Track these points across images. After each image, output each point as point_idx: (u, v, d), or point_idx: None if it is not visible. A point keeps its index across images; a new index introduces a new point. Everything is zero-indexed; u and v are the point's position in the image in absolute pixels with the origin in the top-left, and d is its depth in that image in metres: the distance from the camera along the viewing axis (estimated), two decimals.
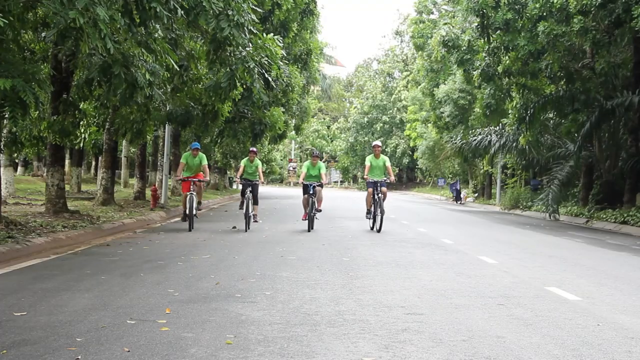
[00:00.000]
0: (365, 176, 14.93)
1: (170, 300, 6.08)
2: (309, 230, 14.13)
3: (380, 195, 14.27)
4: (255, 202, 14.46)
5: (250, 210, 14.23)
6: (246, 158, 14.89)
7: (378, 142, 15.29)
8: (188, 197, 13.80)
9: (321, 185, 14.86)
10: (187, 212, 13.76)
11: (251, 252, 10.11)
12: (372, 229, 14.80)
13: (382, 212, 14.38)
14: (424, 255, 10.32)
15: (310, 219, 14.40)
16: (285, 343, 4.63)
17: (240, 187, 14.94)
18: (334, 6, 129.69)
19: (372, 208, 14.70)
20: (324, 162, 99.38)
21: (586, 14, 19.87)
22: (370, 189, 14.49)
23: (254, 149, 14.92)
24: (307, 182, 14.73)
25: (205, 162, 14.37)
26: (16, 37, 10.08)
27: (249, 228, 14.02)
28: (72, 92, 14.13)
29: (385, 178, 14.62)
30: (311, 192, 14.53)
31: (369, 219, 15.07)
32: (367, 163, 14.87)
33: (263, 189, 57.49)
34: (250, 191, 14.28)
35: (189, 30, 11.87)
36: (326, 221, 16.99)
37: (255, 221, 14.67)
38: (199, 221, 15.17)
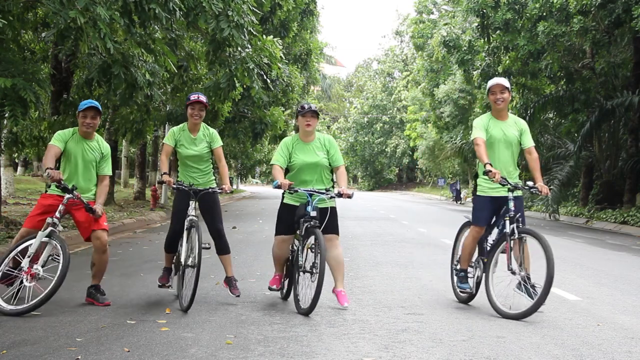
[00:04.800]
0: (488, 168, 5.67)
1: (170, 301, 6.09)
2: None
3: (521, 240, 5.75)
4: (223, 250, 6.14)
5: (186, 276, 5.67)
6: (180, 126, 6.16)
7: (502, 80, 6.07)
8: (37, 240, 5.45)
9: (342, 196, 5.82)
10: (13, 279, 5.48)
11: (251, 252, 10.11)
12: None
13: (540, 298, 5.45)
14: (424, 255, 10.32)
15: (291, 294, 6.01)
16: (285, 343, 4.63)
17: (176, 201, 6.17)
18: (334, 6, 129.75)
19: (481, 272, 6.05)
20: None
21: (586, 14, 19.89)
22: (478, 230, 5.99)
23: (200, 97, 5.99)
24: (295, 193, 5.83)
25: (106, 151, 6.10)
26: (16, 37, 10.10)
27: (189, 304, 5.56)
28: (72, 92, 14.14)
29: (517, 182, 5.94)
30: (309, 223, 5.66)
31: (464, 291, 6.20)
32: (479, 132, 5.95)
33: (263, 189, 57.23)
34: (196, 222, 5.78)
35: (189, 30, 11.88)
36: None
37: (237, 295, 6.03)
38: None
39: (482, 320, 5.58)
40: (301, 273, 5.77)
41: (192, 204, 5.90)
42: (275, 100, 23.70)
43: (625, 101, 20.98)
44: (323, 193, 5.80)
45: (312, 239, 5.71)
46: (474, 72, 26.76)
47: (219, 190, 6.00)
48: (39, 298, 5.21)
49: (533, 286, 5.65)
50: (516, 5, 22.20)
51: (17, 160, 33.10)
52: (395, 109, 71.16)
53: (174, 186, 5.88)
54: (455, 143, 36.31)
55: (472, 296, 6.23)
